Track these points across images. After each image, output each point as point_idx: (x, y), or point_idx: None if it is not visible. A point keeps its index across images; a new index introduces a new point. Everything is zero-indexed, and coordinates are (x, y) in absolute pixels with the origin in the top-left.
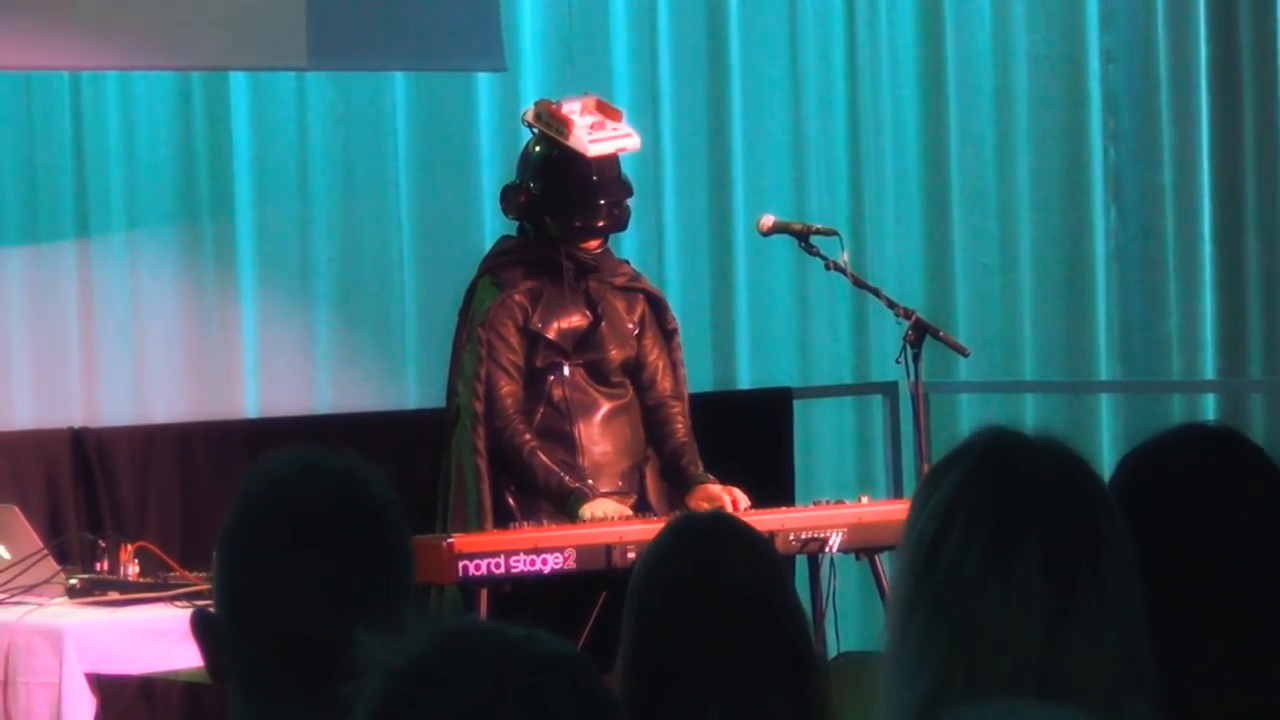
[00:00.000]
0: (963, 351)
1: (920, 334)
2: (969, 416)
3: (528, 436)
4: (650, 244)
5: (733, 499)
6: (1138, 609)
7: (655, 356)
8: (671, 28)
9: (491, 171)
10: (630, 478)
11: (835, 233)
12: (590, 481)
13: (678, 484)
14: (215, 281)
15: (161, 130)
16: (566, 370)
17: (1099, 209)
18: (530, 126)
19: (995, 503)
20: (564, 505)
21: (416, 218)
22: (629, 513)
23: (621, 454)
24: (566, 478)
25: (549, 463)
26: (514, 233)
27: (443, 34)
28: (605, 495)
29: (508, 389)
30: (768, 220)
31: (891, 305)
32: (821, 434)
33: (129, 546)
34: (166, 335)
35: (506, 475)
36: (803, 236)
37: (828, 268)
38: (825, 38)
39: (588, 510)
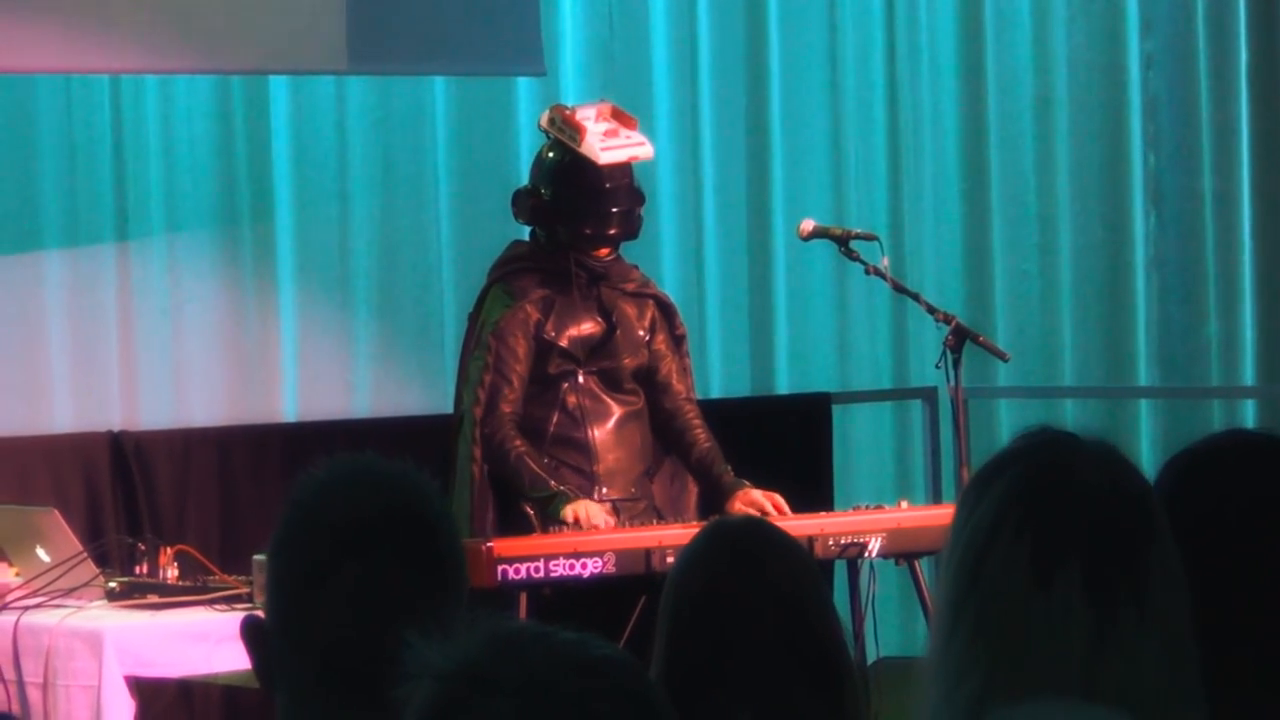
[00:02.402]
0: (1003, 357)
1: (961, 339)
2: (1008, 422)
3: (518, 442)
4: (689, 249)
5: (774, 504)
6: (1182, 620)
7: (668, 361)
8: (711, 33)
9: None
10: (642, 484)
11: (875, 238)
12: (604, 489)
13: (712, 491)
14: (254, 285)
15: (201, 133)
16: (580, 378)
17: (1138, 214)
18: (544, 132)
19: (1041, 516)
20: (548, 507)
21: (455, 221)
22: (611, 520)
23: (634, 460)
24: (553, 482)
25: (536, 468)
26: (524, 238)
27: (482, 38)
28: (618, 501)
29: (508, 398)
30: (807, 225)
31: (931, 310)
32: (860, 439)
33: (168, 549)
34: (206, 338)
35: (501, 483)
36: (842, 241)
37: (867, 273)
38: (865, 43)
39: (569, 510)
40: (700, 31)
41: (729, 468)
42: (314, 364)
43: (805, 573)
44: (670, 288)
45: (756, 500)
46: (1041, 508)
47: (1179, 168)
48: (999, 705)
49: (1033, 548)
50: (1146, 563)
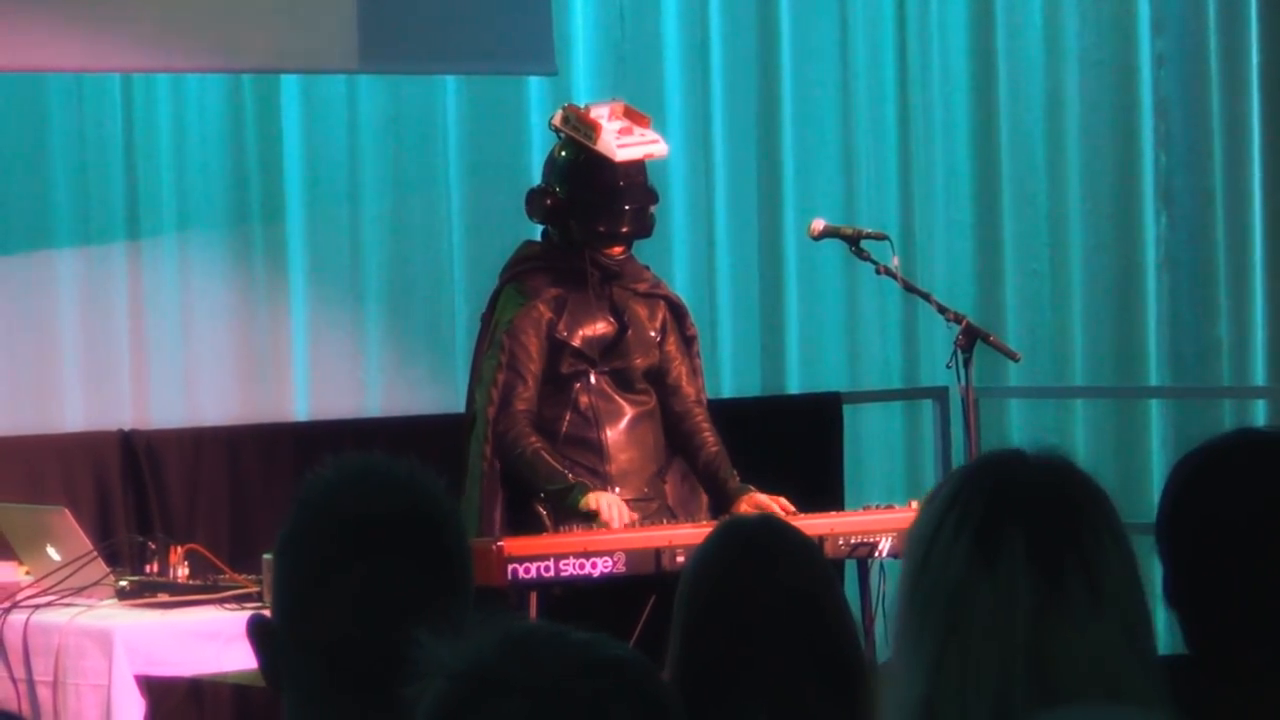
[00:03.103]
0: (1014, 357)
1: (971, 339)
2: (1019, 422)
3: (533, 438)
4: (701, 249)
5: (782, 507)
6: (1138, 609)
7: (678, 363)
8: (722, 32)
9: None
10: (654, 483)
11: (886, 237)
12: (617, 489)
13: (718, 496)
14: (265, 283)
15: (212, 132)
16: (592, 378)
17: (1149, 214)
18: (557, 131)
19: (984, 500)
20: (565, 499)
21: (467, 220)
22: (627, 511)
23: (647, 460)
24: (570, 474)
25: (553, 461)
26: (536, 237)
27: (494, 37)
28: (630, 501)
29: (523, 396)
30: (818, 225)
31: (942, 310)
32: (871, 439)
33: (178, 548)
34: (216, 337)
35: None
36: (853, 241)
37: (878, 272)
38: (876, 43)
39: (591, 498)
40: (712, 31)
41: (735, 473)
42: (325, 363)
43: (819, 571)
44: (681, 287)
45: (764, 503)
46: (983, 495)
47: (1190, 167)
48: (950, 688)
49: (977, 528)
50: (1093, 538)
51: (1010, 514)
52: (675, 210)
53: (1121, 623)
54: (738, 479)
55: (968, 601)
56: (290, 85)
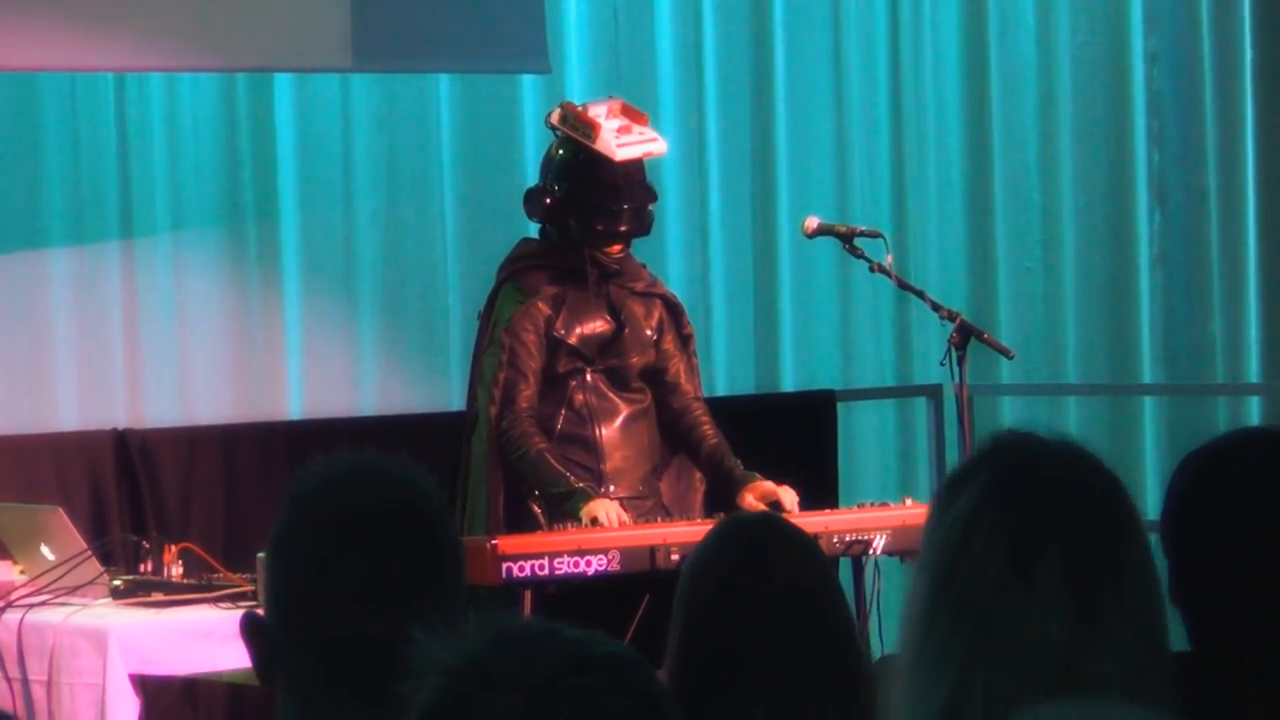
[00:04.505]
0: (1007, 354)
1: (965, 336)
2: (1012, 419)
3: (538, 439)
4: (694, 246)
5: (791, 495)
6: (1155, 611)
7: (676, 360)
8: (716, 30)
9: (536, 173)
10: (649, 482)
11: (880, 235)
12: (612, 487)
13: (723, 486)
14: (259, 282)
15: (206, 131)
16: (588, 376)
17: (1142, 212)
18: (555, 129)
19: (1017, 512)
20: (564, 504)
21: (460, 219)
22: (628, 519)
23: (641, 459)
24: (572, 477)
25: (556, 464)
26: (532, 234)
27: (487, 35)
28: (625, 499)
29: (524, 393)
30: (812, 222)
31: (936, 307)
32: (865, 436)
33: (173, 547)
34: (210, 336)
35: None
36: (847, 239)
37: (872, 270)
38: (869, 40)
39: (589, 510)
40: (705, 29)
41: (739, 462)
42: (319, 362)
43: (819, 569)
44: (675, 285)
45: (771, 490)
46: (1016, 502)
47: (1183, 164)
48: (974, 704)
49: (1011, 540)
50: (1124, 551)
51: (1046, 529)
52: (669, 208)
53: (1150, 634)
54: (742, 467)
55: (1001, 615)
56: (284, 84)
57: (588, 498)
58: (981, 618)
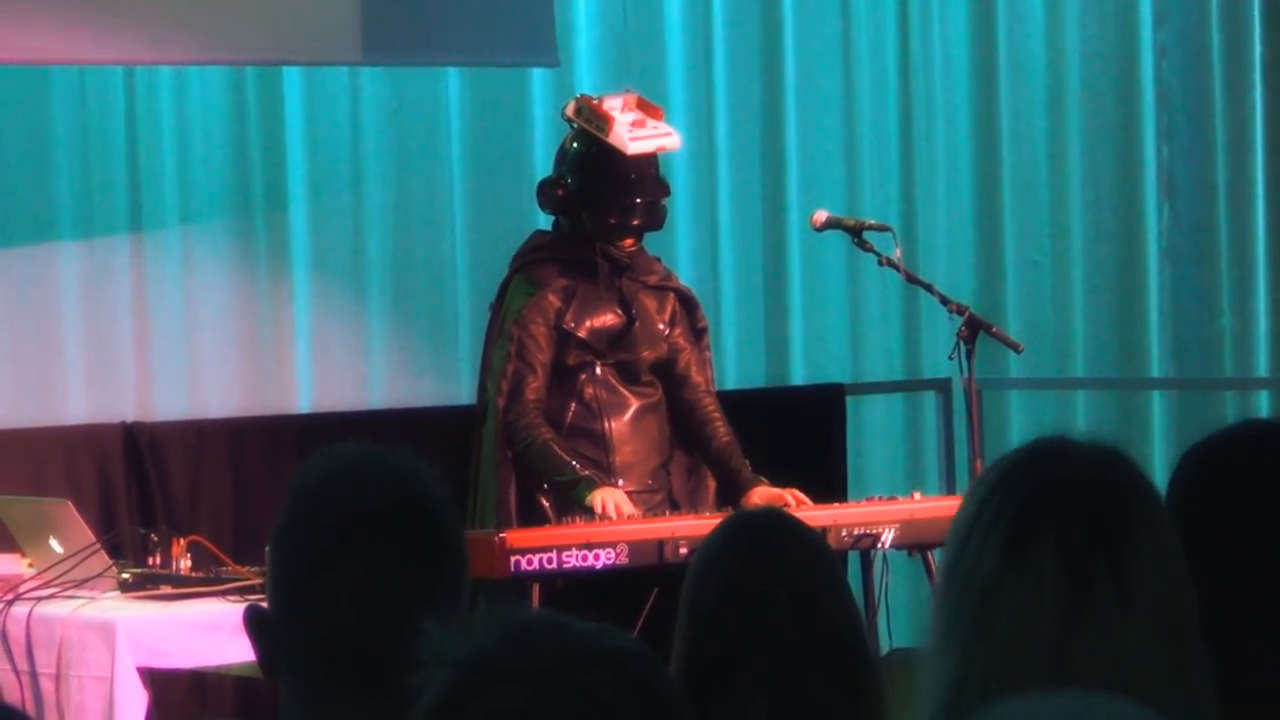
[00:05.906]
0: (1016, 348)
1: (974, 330)
2: (1020, 413)
3: (544, 430)
4: (704, 240)
5: (796, 499)
6: (1182, 612)
7: (687, 354)
8: (726, 24)
9: (545, 167)
10: (659, 476)
11: (888, 229)
12: (620, 481)
13: (729, 485)
14: (268, 276)
15: (215, 125)
16: (598, 370)
17: (1151, 206)
18: (570, 121)
19: (1018, 499)
20: (571, 492)
21: (469, 213)
22: (634, 511)
23: (651, 452)
24: (578, 464)
25: (562, 453)
26: (547, 227)
27: (497, 29)
28: (634, 493)
29: (533, 386)
30: (821, 216)
31: (945, 301)
32: (874, 430)
33: (181, 541)
34: (219, 330)
35: (522, 471)
36: (856, 232)
37: (881, 264)
38: (878, 34)
39: (596, 497)
40: (715, 23)
41: (747, 462)
42: (328, 355)
43: (824, 564)
44: (685, 279)
45: (777, 495)
46: (1017, 493)
47: (1192, 159)
48: (975, 689)
49: (1008, 528)
50: (1129, 543)
51: (1044, 515)
52: (679, 202)
53: (1157, 626)
54: (749, 469)
55: (996, 601)
56: (293, 77)
57: (594, 485)
58: (980, 602)
